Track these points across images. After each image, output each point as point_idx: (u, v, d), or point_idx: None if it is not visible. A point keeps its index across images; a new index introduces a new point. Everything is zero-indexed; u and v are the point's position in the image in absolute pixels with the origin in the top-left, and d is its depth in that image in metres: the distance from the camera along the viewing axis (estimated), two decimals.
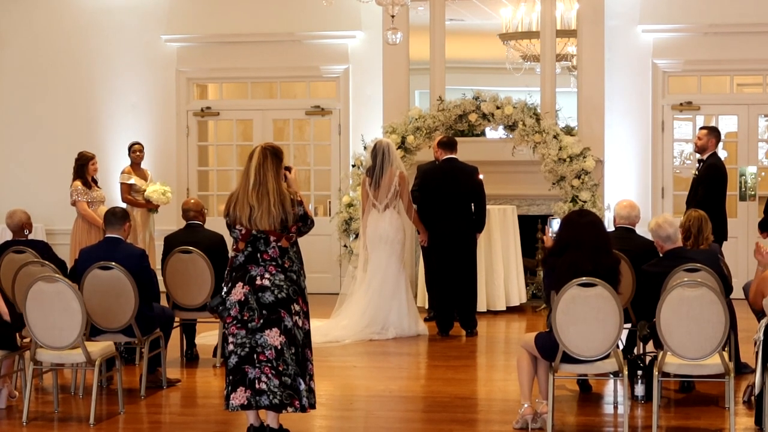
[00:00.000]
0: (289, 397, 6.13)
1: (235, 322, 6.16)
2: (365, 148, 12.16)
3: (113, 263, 7.59)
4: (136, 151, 11.67)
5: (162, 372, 8.03)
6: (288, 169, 6.30)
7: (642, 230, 8.36)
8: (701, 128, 10.53)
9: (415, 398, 7.88)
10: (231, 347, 6.17)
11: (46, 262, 8.06)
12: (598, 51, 12.39)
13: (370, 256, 10.23)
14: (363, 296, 10.22)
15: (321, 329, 9.85)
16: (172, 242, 8.84)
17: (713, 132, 10.15)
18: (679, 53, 12.64)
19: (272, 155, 6.17)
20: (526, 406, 6.71)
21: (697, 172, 10.13)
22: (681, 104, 12.72)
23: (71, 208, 11.10)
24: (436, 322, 10.40)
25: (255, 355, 6.11)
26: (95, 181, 11.16)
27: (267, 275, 6.14)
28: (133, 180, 11.52)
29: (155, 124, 13.58)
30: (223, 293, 6.26)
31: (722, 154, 12.94)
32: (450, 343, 10.00)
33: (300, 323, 6.22)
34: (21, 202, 11.18)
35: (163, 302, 8.50)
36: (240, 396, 6.14)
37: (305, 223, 6.27)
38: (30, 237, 9.01)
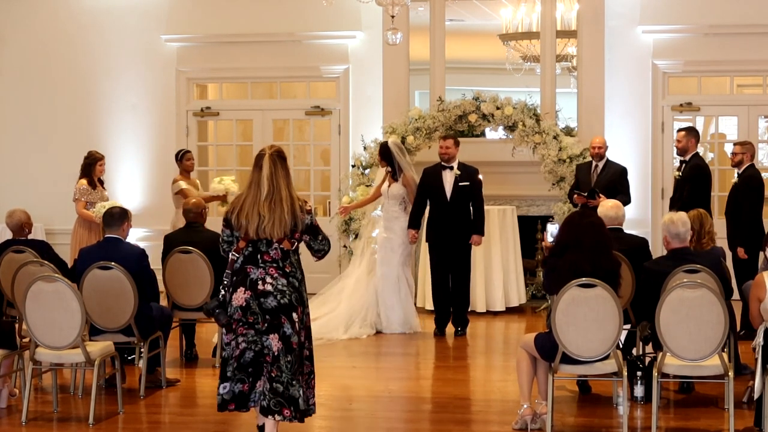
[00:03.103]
0: (278, 404, 5.99)
1: (241, 324, 6.04)
2: (365, 148, 12.18)
3: (113, 263, 7.59)
4: (190, 159, 11.50)
5: (161, 372, 8.03)
6: None
7: (643, 231, 8.38)
8: (679, 130, 10.52)
9: (414, 398, 7.88)
10: (243, 345, 6.02)
11: (46, 262, 8.06)
12: (598, 52, 12.40)
13: (374, 253, 10.47)
14: (363, 293, 10.40)
15: (317, 328, 10.02)
16: (172, 242, 8.84)
17: (692, 132, 10.22)
18: (679, 54, 12.63)
19: (281, 160, 6.06)
20: (525, 406, 6.71)
21: (680, 173, 10.14)
22: (681, 105, 12.72)
23: (71, 208, 11.09)
24: (434, 320, 10.44)
25: (262, 356, 6.03)
26: (101, 182, 11.10)
27: (269, 279, 6.01)
28: (185, 184, 11.33)
29: (155, 124, 13.58)
30: (220, 296, 6.13)
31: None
32: (450, 344, 10.00)
33: (300, 331, 6.09)
34: (21, 201, 11.18)
35: (163, 302, 8.50)
36: (262, 384, 6.03)
37: (315, 236, 6.13)
38: (30, 236, 9.01)
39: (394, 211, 10.40)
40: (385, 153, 10.43)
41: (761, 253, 8.60)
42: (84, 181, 10.90)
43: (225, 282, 6.12)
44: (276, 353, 5.98)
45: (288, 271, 6.05)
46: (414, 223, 10.33)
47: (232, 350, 6.08)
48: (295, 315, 6.03)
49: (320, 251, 6.18)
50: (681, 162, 10.26)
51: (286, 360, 6.00)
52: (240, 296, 6.02)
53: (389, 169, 10.43)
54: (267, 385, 5.99)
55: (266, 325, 5.99)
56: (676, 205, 9.84)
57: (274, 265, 6.03)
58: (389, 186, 10.42)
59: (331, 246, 6.30)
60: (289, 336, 6.01)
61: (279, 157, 6.06)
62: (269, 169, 6.01)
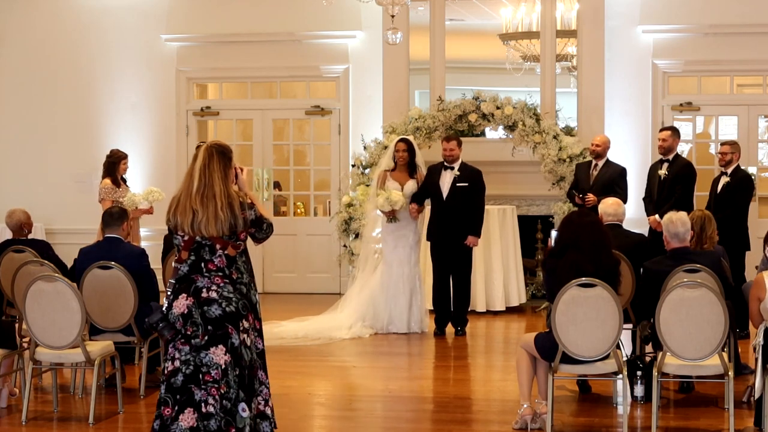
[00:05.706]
0: (227, 423, 5.47)
1: (178, 336, 5.52)
2: (365, 148, 12.18)
3: (113, 263, 7.59)
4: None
5: (161, 371, 8.01)
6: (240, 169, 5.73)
7: (642, 230, 8.37)
8: (664, 129, 10.54)
9: (414, 398, 7.88)
10: (177, 363, 5.50)
11: (46, 262, 8.06)
12: (598, 51, 12.40)
13: (384, 253, 10.45)
14: (366, 294, 10.46)
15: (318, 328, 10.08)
16: (172, 242, 8.82)
17: (677, 132, 10.33)
18: (679, 54, 12.64)
19: (219, 154, 5.52)
20: (525, 406, 6.71)
21: (666, 173, 10.13)
22: (681, 105, 12.72)
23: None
24: (434, 319, 10.44)
25: (200, 375, 5.47)
26: (124, 180, 10.99)
27: (214, 287, 5.51)
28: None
29: (155, 124, 13.58)
30: (164, 308, 5.58)
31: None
32: (450, 343, 10.00)
33: (249, 342, 5.56)
34: (21, 201, 11.18)
35: (163, 302, 8.48)
36: (188, 418, 5.44)
37: (260, 228, 5.61)
38: (30, 236, 9.01)
39: (406, 210, 10.35)
40: (412, 148, 10.41)
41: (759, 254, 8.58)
42: (108, 181, 10.68)
43: (168, 292, 5.61)
44: (224, 367, 5.47)
45: (235, 278, 5.57)
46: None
47: (167, 366, 5.58)
48: (243, 323, 5.54)
49: (264, 239, 5.69)
50: (662, 161, 10.27)
51: (235, 374, 5.49)
52: (181, 302, 5.53)
53: (389, 168, 10.41)
54: (217, 404, 5.45)
55: (207, 337, 5.47)
56: (667, 202, 9.83)
57: (220, 273, 5.54)
58: (403, 185, 10.34)
59: (273, 230, 5.75)
60: (237, 347, 5.50)
61: (217, 150, 5.54)
62: (202, 161, 5.51)
